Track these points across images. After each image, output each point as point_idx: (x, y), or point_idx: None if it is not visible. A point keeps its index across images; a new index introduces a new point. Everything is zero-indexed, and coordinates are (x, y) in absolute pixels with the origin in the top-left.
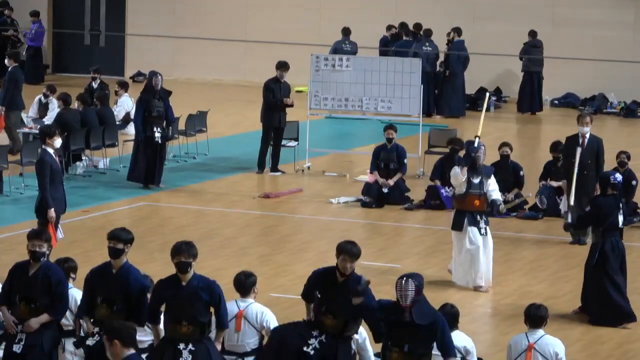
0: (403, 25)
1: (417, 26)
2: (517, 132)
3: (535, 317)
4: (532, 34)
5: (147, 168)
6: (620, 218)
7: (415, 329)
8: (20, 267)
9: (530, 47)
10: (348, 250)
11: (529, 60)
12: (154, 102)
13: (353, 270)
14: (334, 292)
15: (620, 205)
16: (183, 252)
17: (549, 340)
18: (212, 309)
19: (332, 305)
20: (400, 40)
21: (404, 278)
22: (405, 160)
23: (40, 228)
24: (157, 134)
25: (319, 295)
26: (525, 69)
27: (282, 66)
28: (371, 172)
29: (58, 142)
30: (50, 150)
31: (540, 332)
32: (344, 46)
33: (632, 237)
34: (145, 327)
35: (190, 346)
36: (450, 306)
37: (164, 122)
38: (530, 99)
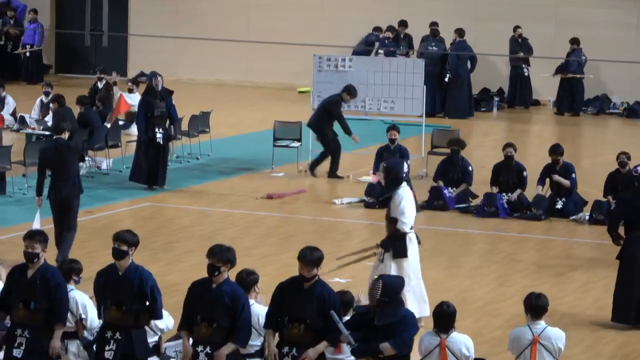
0: (402, 22)
1: (391, 29)
2: (519, 132)
3: (537, 307)
4: (514, 29)
5: (149, 169)
6: None
7: (383, 330)
8: (18, 270)
9: (512, 42)
10: (302, 256)
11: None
12: (156, 103)
13: (315, 275)
14: (300, 299)
15: None
16: (215, 255)
17: (552, 333)
18: None
19: (299, 313)
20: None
21: (377, 277)
22: (408, 162)
23: (36, 230)
24: (159, 135)
25: (284, 305)
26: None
27: (350, 92)
28: (374, 173)
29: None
30: None
31: (542, 323)
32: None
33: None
34: (148, 329)
35: (207, 349)
36: (446, 305)
37: (167, 123)
38: (518, 95)
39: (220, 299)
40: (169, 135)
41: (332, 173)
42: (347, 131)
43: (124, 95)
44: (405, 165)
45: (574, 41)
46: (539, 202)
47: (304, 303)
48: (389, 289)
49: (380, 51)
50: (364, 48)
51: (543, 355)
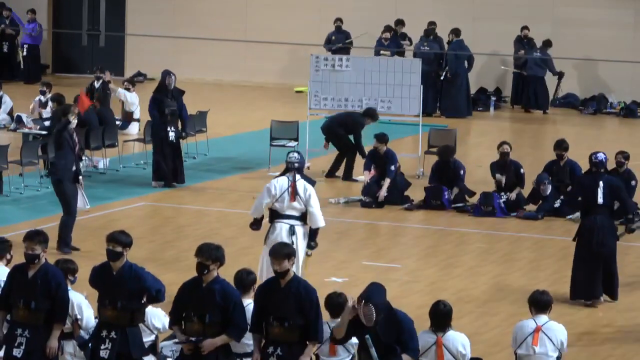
0: (399, 21)
1: (389, 28)
2: (517, 132)
3: (540, 301)
4: (521, 29)
5: (169, 168)
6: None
7: (379, 336)
8: (19, 270)
9: (516, 41)
10: (272, 251)
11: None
12: (167, 101)
13: (287, 270)
14: (278, 298)
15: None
16: (203, 253)
17: (555, 326)
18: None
19: (279, 312)
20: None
21: (363, 302)
22: (392, 167)
23: (35, 230)
24: (171, 133)
25: (265, 306)
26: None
27: (372, 117)
28: (368, 171)
29: (74, 123)
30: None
31: (546, 317)
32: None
33: (632, 237)
34: (145, 328)
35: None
36: (442, 304)
37: (178, 121)
38: (520, 96)
39: (211, 297)
40: (180, 133)
41: (348, 176)
42: (363, 154)
43: (83, 93)
44: (296, 156)
45: (545, 43)
46: (542, 178)
47: (282, 302)
48: (381, 305)
49: (386, 52)
50: (329, 46)
51: (545, 342)
